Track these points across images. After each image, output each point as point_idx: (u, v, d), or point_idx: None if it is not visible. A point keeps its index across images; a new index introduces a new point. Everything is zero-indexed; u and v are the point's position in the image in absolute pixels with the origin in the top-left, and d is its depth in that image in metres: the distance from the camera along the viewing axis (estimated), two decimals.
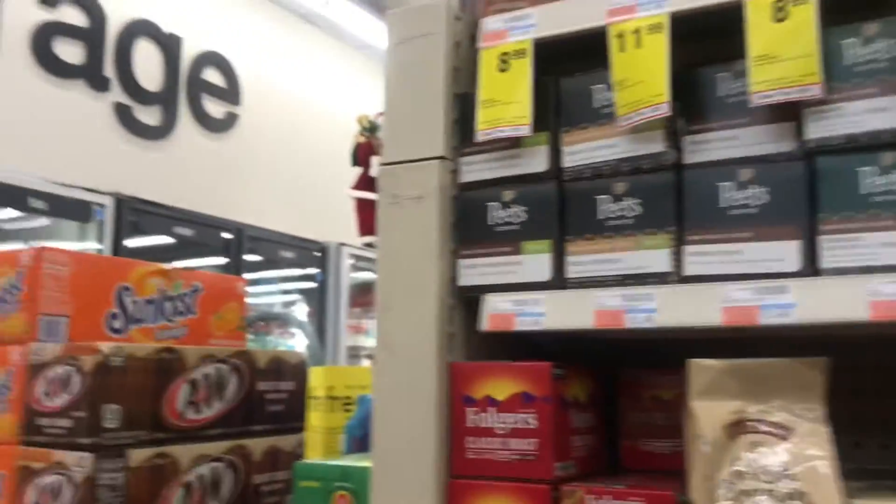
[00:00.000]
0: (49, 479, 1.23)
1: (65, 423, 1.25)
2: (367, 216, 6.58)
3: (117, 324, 1.48)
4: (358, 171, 6.11)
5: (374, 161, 6.22)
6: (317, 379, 1.81)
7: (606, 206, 0.97)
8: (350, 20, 6.25)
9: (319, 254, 5.30)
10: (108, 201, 3.96)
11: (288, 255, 5.10)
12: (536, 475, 0.93)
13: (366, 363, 5.61)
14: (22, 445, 1.29)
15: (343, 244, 5.40)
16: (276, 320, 5.31)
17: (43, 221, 3.84)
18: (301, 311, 5.48)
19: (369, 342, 5.87)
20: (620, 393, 1.10)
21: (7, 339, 1.38)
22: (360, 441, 1.70)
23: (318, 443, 1.79)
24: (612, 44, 0.97)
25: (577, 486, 0.93)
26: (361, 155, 6.66)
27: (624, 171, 0.98)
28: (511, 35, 1.02)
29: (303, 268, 5.34)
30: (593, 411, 1.05)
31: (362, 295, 5.79)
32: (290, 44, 6.04)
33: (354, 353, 5.60)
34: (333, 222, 5.46)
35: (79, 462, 1.21)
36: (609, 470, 1.08)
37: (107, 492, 1.21)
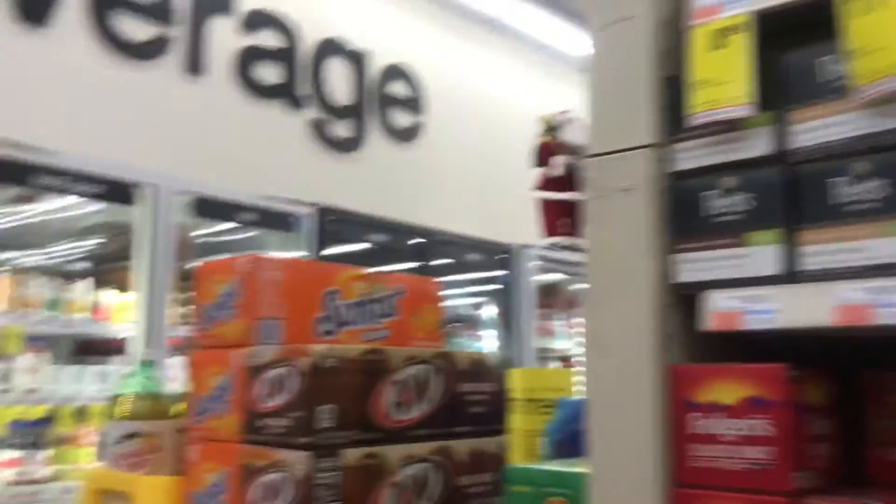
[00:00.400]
0: (270, 478, 1.29)
1: (283, 422, 1.30)
2: (550, 217, 6.50)
3: (327, 326, 1.53)
4: (540, 171, 6.07)
5: (556, 161, 6.15)
6: (515, 381, 1.80)
7: (844, 190, 0.87)
8: (527, 22, 6.23)
9: (504, 256, 5.31)
10: (309, 211, 4.17)
11: (474, 257, 5.15)
12: (773, 486, 0.85)
13: (554, 365, 5.56)
14: (244, 444, 1.36)
15: (527, 246, 5.38)
16: (465, 322, 5.38)
17: (251, 233, 4.10)
18: (488, 313, 5.52)
19: (557, 344, 5.81)
20: (865, 397, 0.99)
21: (228, 342, 1.46)
22: (561, 445, 1.66)
23: (518, 445, 1.77)
24: (845, 9, 0.87)
25: (821, 499, 0.84)
26: (543, 155, 6.62)
27: (861, 150, 0.88)
28: (726, 9, 0.94)
29: (489, 270, 5.37)
30: (832, 417, 0.95)
31: (549, 296, 5.74)
32: (470, 50, 6.11)
33: (542, 356, 5.56)
34: (518, 224, 5.45)
35: (297, 461, 1.26)
36: (851, 481, 0.97)
37: (324, 490, 1.25)
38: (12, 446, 3.25)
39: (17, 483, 3.21)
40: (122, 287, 3.64)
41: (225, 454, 1.38)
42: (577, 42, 6.48)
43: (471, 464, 1.50)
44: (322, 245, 4.21)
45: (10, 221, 3.63)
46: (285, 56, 4.93)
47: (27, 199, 3.58)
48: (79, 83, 3.97)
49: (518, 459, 1.68)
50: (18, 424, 3.27)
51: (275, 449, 1.28)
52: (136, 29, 4.22)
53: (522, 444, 1.77)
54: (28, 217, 3.64)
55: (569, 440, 1.63)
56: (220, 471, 1.39)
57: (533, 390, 1.81)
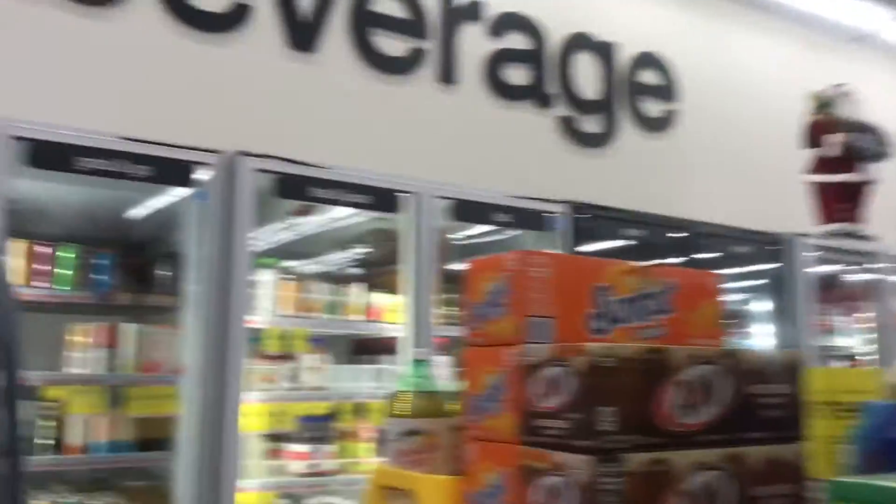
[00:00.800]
0: (550, 481, 1.24)
1: (560, 424, 1.25)
2: (827, 202, 5.95)
3: (599, 324, 1.46)
4: (813, 153, 5.55)
5: (831, 140, 5.59)
6: (813, 382, 1.61)
7: None
8: None
9: (776, 247, 4.91)
10: (562, 209, 4.13)
11: (740, 249, 4.81)
12: None
13: (835, 364, 5.05)
14: (522, 445, 1.32)
15: (801, 235, 4.94)
16: (735, 319, 5.04)
17: (507, 234, 4.13)
18: (760, 309, 5.13)
19: (839, 341, 5.29)
20: None
21: (499, 340, 1.43)
22: (872, 455, 1.46)
23: (818, 454, 1.58)
24: None
25: None
26: (816, 135, 6.06)
27: None
28: None
29: (759, 263, 5.00)
30: None
31: (828, 290, 5.22)
32: (723, 28, 5.76)
33: (824, 354, 5.06)
34: (790, 212, 5.03)
35: (578, 465, 1.20)
36: None
37: (607, 497, 1.18)
38: (301, 440, 3.53)
39: (308, 475, 3.48)
40: (392, 290, 3.83)
41: (503, 455, 1.36)
42: (845, 10, 5.87)
43: (766, 473, 1.36)
44: (576, 243, 4.14)
45: (291, 233, 3.95)
46: (533, 56, 4.94)
47: (305, 212, 3.88)
48: (345, 101, 4.24)
49: (818, 470, 1.50)
50: (306, 420, 3.54)
51: (554, 451, 1.24)
52: (392, 45, 4.43)
53: (822, 452, 1.59)
54: (307, 229, 3.94)
55: (883, 450, 1.43)
56: (499, 471, 1.37)
57: (834, 392, 1.61)
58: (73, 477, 3.34)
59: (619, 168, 5.13)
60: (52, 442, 3.14)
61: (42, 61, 3.47)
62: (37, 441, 3.11)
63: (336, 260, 4.25)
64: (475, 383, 1.46)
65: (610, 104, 5.22)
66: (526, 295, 1.40)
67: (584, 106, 5.10)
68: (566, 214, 4.14)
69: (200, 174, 3.23)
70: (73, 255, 3.30)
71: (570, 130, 5.02)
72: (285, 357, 3.58)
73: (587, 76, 5.15)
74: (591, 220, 4.21)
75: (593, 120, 5.14)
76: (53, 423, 3.15)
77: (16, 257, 3.15)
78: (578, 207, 4.19)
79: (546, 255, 1.44)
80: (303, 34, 4.18)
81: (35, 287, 3.18)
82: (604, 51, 5.24)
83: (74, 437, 3.17)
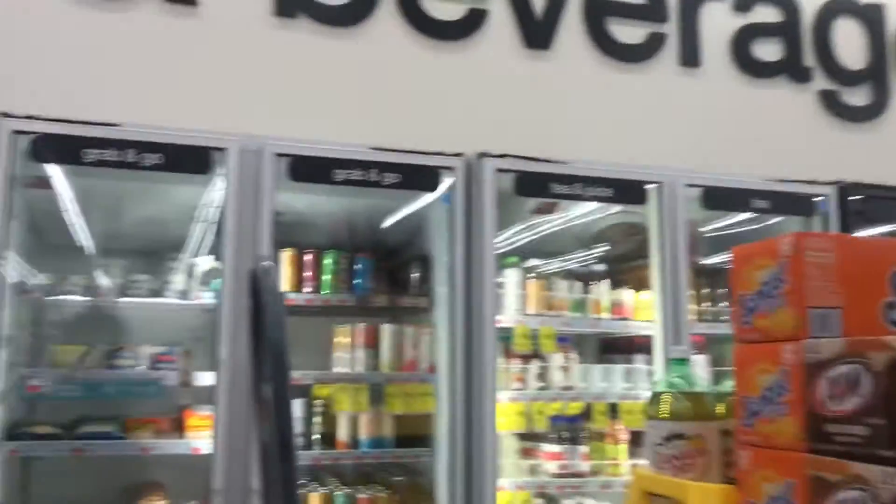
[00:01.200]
0: (849, 495, 1.08)
1: (858, 430, 1.09)
2: None
3: None
4: None
5: None
6: None
7: None
8: None
9: None
10: (828, 191, 3.75)
11: None
12: None
13: None
14: (809, 453, 1.17)
15: None
16: None
17: (764, 222, 3.81)
18: None
19: None
20: None
21: (777, 335, 1.29)
22: None
23: None
24: None
25: None
26: None
27: None
28: None
29: None
30: None
31: None
32: None
33: None
34: None
35: (883, 478, 1.03)
36: None
37: None
38: (553, 440, 3.48)
39: (562, 475, 3.42)
40: (640, 286, 3.68)
41: (785, 463, 1.21)
42: None
43: None
44: (848, 227, 3.73)
45: (534, 232, 3.93)
46: (785, 28, 4.54)
47: (548, 210, 3.83)
48: (585, 94, 4.15)
49: None
50: (557, 419, 3.49)
51: (853, 462, 1.07)
52: (630, 32, 4.27)
53: None
54: (549, 227, 3.89)
55: None
56: (781, 482, 1.22)
57: None
58: (341, 470, 3.55)
59: (894, 142, 4.57)
60: (319, 437, 3.36)
61: (298, 82, 3.73)
62: (311, 437, 3.34)
63: (580, 257, 4.16)
64: (748, 384, 1.32)
65: (879, 73, 4.67)
66: (806, 283, 1.24)
67: (849, 77, 4.61)
68: (834, 197, 3.75)
69: (445, 178, 3.30)
70: (335, 262, 3.51)
71: (834, 105, 4.56)
72: (533, 356, 3.56)
73: (850, 44, 4.64)
74: (865, 201, 3.77)
75: (860, 92, 4.62)
76: (322, 420, 3.37)
77: (285, 265, 3.41)
78: (848, 188, 3.77)
79: (828, 237, 1.28)
80: (538, 32, 4.14)
81: (303, 292, 3.42)
82: (868, 14, 4.70)
83: (341, 433, 3.36)
